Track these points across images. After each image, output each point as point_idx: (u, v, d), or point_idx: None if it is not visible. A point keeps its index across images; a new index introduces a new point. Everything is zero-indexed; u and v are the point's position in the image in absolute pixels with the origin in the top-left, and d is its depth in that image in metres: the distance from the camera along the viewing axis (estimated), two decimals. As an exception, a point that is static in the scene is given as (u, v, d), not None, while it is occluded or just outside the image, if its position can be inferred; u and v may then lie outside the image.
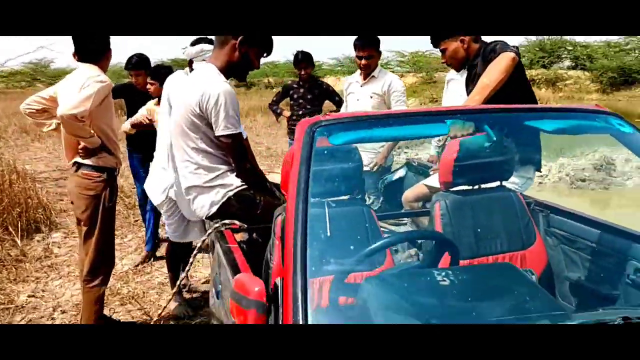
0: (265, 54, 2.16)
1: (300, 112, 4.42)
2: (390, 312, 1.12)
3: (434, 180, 2.57)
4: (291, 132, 4.54)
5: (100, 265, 2.64)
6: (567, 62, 27.73)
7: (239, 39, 2.05)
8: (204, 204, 2.12)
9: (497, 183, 2.10)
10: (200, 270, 3.93)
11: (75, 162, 2.58)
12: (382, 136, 1.87)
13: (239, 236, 1.97)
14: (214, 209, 2.09)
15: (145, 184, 3.04)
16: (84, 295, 2.65)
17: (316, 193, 1.34)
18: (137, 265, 3.90)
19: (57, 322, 3.10)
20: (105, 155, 2.59)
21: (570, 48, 27.20)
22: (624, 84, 23.86)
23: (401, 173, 3.41)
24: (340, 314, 1.29)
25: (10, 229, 4.31)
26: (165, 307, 2.71)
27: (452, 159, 1.97)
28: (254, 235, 2.01)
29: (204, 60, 2.70)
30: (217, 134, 2.01)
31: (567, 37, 27.02)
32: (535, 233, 2.02)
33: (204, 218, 2.19)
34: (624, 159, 8.23)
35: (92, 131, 2.48)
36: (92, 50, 2.57)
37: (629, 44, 26.11)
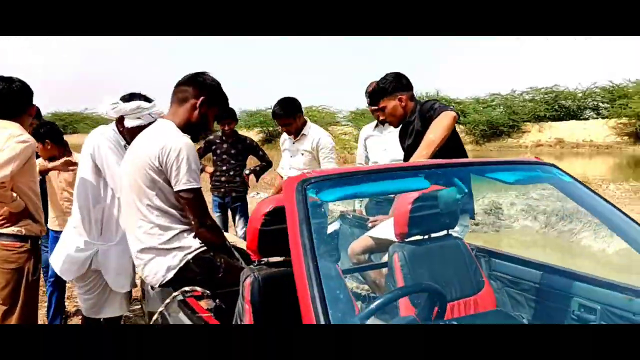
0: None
1: (224, 168, 4.36)
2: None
3: (378, 232, 2.66)
4: (215, 189, 4.43)
5: (22, 349, 2.30)
6: (444, 117, 30.50)
7: (201, 98, 2.06)
8: (159, 270, 1.97)
9: (445, 232, 2.23)
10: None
11: None
12: (370, 191, 1.93)
13: (203, 304, 1.85)
14: (171, 274, 1.96)
15: (52, 256, 2.72)
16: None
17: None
18: None
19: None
20: (28, 222, 2.33)
21: (445, 104, 29.92)
22: (493, 135, 26.78)
23: (335, 226, 3.48)
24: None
25: None
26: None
27: (407, 211, 2.06)
28: (217, 301, 1.90)
29: (138, 118, 2.58)
30: (177, 188, 1.93)
31: (443, 94, 29.95)
32: (482, 278, 2.16)
33: (157, 286, 2.03)
34: (509, 203, 9.12)
35: (14, 194, 2.23)
36: (13, 106, 2.35)
37: (494, 100, 29.56)
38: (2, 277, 2.26)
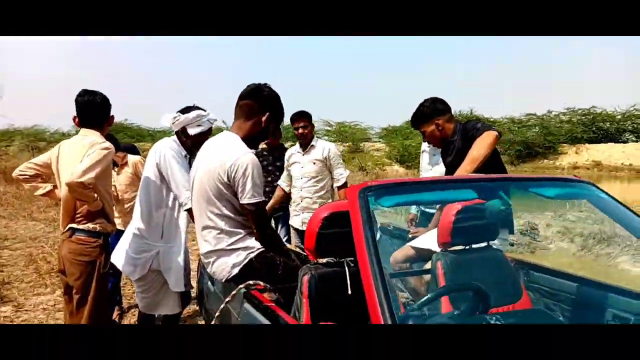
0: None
1: (269, 179, 4.61)
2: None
3: (419, 242, 2.82)
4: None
5: (94, 335, 2.55)
6: (478, 136, 30.19)
7: (267, 115, 2.27)
8: (225, 267, 2.19)
9: (485, 243, 2.37)
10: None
11: (70, 228, 2.56)
12: (423, 200, 2.11)
13: (266, 296, 2.05)
14: (236, 270, 2.17)
15: (113, 255, 2.94)
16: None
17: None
18: None
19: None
20: (103, 221, 2.60)
21: (479, 119, 29.55)
22: (528, 156, 26.37)
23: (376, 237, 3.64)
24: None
25: (-46, 303, 3.99)
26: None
27: (450, 222, 2.22)
28: (277, 295, 2.11)
29: (199, 125, 2.83)
30: (243, 201, 2.13)
31: (476, 112, 29.73)
32: (521, 288, 2.29)
33: (223, 280, 2.24)
34: (545, 225, 9.06)
35: (95, 195, 2.50)
36: (95, 116, 2.63)
37: (530, 121, 29.19)
38: (76, 269, 2.52)
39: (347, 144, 30.70)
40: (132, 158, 4.04)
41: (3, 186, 14.37)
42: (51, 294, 4.94)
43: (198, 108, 2.95)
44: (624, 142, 25.48)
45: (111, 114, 2.74)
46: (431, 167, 3.88)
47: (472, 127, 2.68)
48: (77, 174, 2.35)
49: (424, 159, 4.02)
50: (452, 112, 3.00)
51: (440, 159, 3.80)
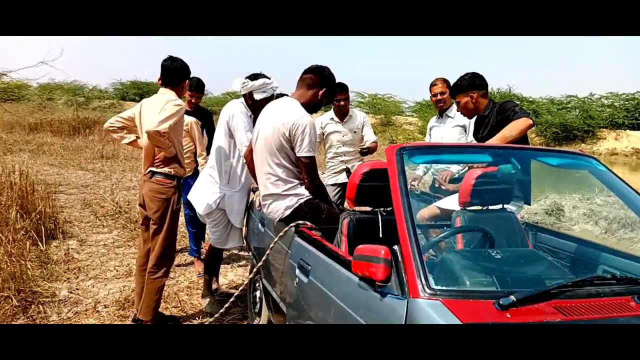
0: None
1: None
2: (469, 270, 1.72)
3: (444, 204, 3.20)
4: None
5: (164, 260, 3.07)
6: (516, 116, 29.70)
7: (324, 89, 2.73)
8: (279, 209, 2.64)
9: (500, 206, 2.74)
10: (226, 277, 4.30)
11: (151, 171, 3.05)
12: (446, 160, 2.49)
13: (312, 234, 2.49)
14: (288, 212, 2.62)
15: (190, 195, 3.53)
16: (147, 286, 3.06)
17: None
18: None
19: (103, 315, 3.46)
20: (176, 165, 3.07)
21: (517, 102, 28.96)
22: (565, 139, 25.84)
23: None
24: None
25: (31, 234, 4.60)
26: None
27: (471, 185, 2.59)
28: (320, 233, 2.54)
29: (264, 92, 3.28)
30: (299, 154, 2.57)
31: (515, 92, 29.13)
32: (528, 245, 2.65)
33: (276, 220, 2.69)
34: (571, 206, 9.21)
35: (169, 142, 2.97)
36: (175, 78, 3.09)
37: (570, 103, 28.48)
38: (155, 204, 3.02)
39: (379, 117, 30.79)
40: (187, 118, 4.55)
41: (50, 137, 15.38)
42: (109, 233, 5.56)
43: (264, 76, 3.39)
44: (668, 130, 24.69)
45: (187, 79, 3.18)
46: (441, 137, 4.20)
47: (510, 109, 2.97)
48: (154, 124, 2.82)
49: (435, 132, 4.31)
50: (490, 89, 3.31)
51: (443, 134, 4.18)
